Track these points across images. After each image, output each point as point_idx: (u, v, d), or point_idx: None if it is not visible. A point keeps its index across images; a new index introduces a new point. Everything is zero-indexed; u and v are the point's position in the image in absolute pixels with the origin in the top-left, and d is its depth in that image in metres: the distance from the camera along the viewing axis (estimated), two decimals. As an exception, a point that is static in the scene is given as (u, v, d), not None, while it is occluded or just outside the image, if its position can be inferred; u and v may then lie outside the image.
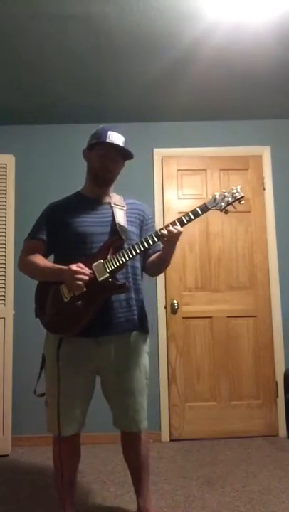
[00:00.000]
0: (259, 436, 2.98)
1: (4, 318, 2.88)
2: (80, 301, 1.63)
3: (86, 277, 1.61)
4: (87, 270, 1.62)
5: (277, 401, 3.06)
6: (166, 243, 1.70)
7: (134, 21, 2.15)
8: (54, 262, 1.80)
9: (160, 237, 1.66)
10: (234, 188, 1.71)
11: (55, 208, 1.84)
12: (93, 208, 1.81)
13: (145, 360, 1.81)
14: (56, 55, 2.42)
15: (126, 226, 1.78)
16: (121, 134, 1.76)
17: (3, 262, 2.91)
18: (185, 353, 3.10)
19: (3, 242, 2.94)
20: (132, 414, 1.73)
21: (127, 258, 1.67)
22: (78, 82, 2.73)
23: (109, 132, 1.74)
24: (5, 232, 2.95)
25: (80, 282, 1.60)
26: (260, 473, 2.41)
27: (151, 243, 1.67)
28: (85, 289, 1.61)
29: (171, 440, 3.01)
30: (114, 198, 1.86)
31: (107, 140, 1.73)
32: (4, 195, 2.99)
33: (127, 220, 1.81)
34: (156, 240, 1.66)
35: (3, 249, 2.93)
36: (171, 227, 1.64)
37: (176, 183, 3.25)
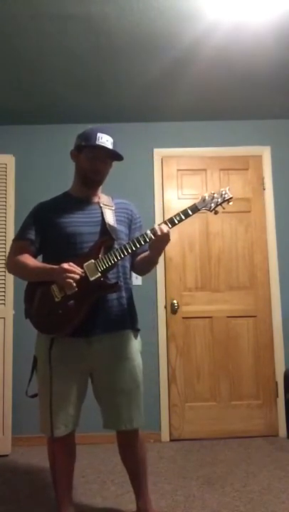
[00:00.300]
0: (259, 436, 2.98)
1: (4, 318, 2.89)
2: (71, 301, 1.63)
3: (78, 276, 1.61)
4: (78, 269, 1.62)
5: (277, 401, 3.06)
6: (155, 244, 1.70)
7: (134, 21, 2.15)
8: (43, 262, 1.79)
9: (154, 235, 1.66)
10: (223, 189, 1.75)
11: (44, 208, 1.84)
12: (82, 208, 1.81)
13: (138, 357, 1.81)
14: (56, 55, 2.42)
15: (115, 226, 1.79)
16: (109, 134, 1.76)
17: (3, 261, 2.91)
18: (185, 353, 3.10)
19: (3, 242, 2.94)
20: (126, 413, 1.72)
21: (119, 258, 1.68)
22: (78, 82, 2.73)
23: (99, 134, 1.73)
24: (5, 232, 2.95)
25: (71, 280, 1.60)
26: (260, 473, 2.41)
27: (142, 243, 1.68)
28: (76, 288, 1.61)
29: (171, 440, 3.01)
30: (103, 198, 1.87)
31: (97, 143, 1.73)
32: (4, 195, 2.99)
33: (116, 220, 1.82)
34: (147, 240, 1.67)
35: (3, 249, 2.93)
36: (162, 226, 1.65)
37: (176, 183, 3.25)
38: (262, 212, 3.24)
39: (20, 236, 1.83)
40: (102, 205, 1.82)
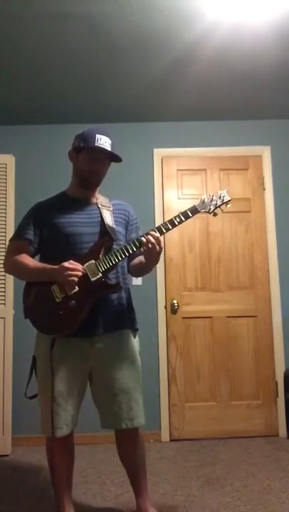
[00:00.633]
0: (259, 436, 2.98)
1: (4, 318, 2.89)
2: (72, 302, 1.63)
3: (80, 273, 1.61)
4: (80, 266, 1.63)
5: (277, 401, 3.06)
6: (145, 254, 1.71)
7: (134, 21, 2.15)
8: (40, 262, 1.79)
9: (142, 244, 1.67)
10: (221, 191, 1.77)
11: (42, 208, 1.83)
12: (80, 208, 1.81)
13: (137, 356, 1.82)
14: (56, 55, 2.42)
15: (114, 226, 1.79)
16: (108, 135, 1.76)
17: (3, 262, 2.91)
18: (185, 353, 3.10)
19: (3, 242, 2.93)
20: (126, 411, 1.72)
21: (120, 258, 1.68)
22: (78, 82, 2.73)
23: (98, 136, 1.74)
24: (5, 232, 2.95)
25: (74, 278, 1.60)
26: (260, 473, 2.41)
27: (138, 247, 1.69)
28: (77, 288, 1.61)
29: (171, 440, 3.00)
30: (100, 199, 1.87)
31: (96, 144, 1.73)
32: (4, 195, 2.99)
33: (114, 221, 1.82)
34: (145, 242, 1.66)
35: (3, 249, 2.92)
36: (149, 236, 1.64)
37: (176, 183, 3.25)
38: (262, 212, 3.24)
39: (18, 236, 1.82)
40: (100, 205, 1.82)
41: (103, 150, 1.74)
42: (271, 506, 2.03)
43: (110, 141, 1.76)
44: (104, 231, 1.75)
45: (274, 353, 3.11)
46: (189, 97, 2.94)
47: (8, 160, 3.02)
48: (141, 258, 1.82)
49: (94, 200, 1.85)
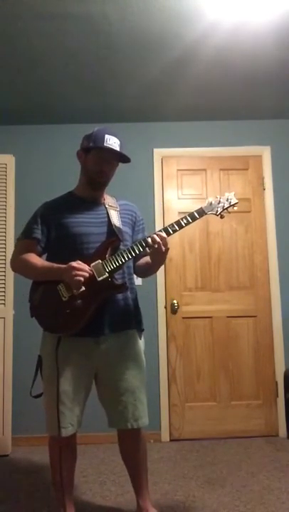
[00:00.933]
0: (259, 436, 2.98)
1: (4, 318, 2.89)
2: (79, 301, 1.63)
3: (86, 274, 1.61)
4: (87, 267, 1.63)
5: (277, 401, 3.06)
6: (151, 255, 1.73)
7: (134, 21, 2.15)
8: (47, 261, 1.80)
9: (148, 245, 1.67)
10: (228, 194, 1.78)
11: (50, 208, 1.84)
12: (88, 208, 1.81)
13: (142, 357, 1.83)
14: (56, 55, 2.42)
15: (121, 227, 1.79)
16: (116, 135, 1.77)
17: (3, 262, 2.91)
18: (185, 353, 3.10)
19: (3, 242, 2.94)
20: (132, 412, 1.73)
21: (127, 258, 1.68)
22: (78, 82, 2.73)
23: (106, 136, 1.74)
24: (5, 232, 2.95)
25: (80, 278, 1.60)
26: (260, 473, 2.41)
27: (144, 248, 1.69)
28: (83, 288, 1.62)
29: (171, 440, 3.00)
30: (108, 199, 1.88)
31: (105, 145, 1.73)
32: (4, 195, 2.99)
33: (121, 221, 1.83)
34: (151, 243, 1.67)
35: (3, 249, 2.93)
36: (155, 236, 1.65)
37: (176, 183, 3.25)
38: (262, 212, 3.24)
39: (25, 235, 1.82)
40: (107, 206, 1.83)
41: (112, 150, 1.74)
42: (271, 506, 2.03)
43: (119, 142, 1.77)
44: (111, 231, 1.75)
45: (274, 353, 3.11)
46: (189, 97, 2.94)
47: (8, 160, 3.02)
48: (147, 259, 1.83)
49: (101, 201, 1.85)
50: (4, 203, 2.98)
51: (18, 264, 1.82)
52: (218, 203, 1.75)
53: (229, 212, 1.78)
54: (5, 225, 2.96)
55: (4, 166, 3.01)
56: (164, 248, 1.65)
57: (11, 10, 2.05)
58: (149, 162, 3.26)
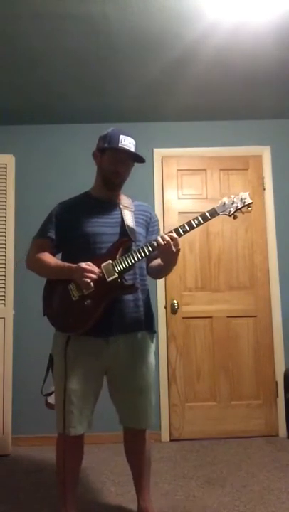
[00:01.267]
0: (259, 436, 2.98)
1: (4, 318, 2.88)
2: (88, 300, 1.64)
3: (95, 275, 1.62)
4: (96, 268, 1.63)
5: (277, 401, 3.06)
6: (160, 255, 1.71)
7: (134, 21, 2.15)
8: (61, 260, 1.81)
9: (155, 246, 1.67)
10: (242, 193, 1.74)
11: (65, 207, 1.85)
12: (103, 208, 1.82)
13: (152, 358, 1.83)
14: (56, 55, 2.42)
15: (134, 227, 1.79)
16: (131, 136, 1.78)
17: (3, 261, 2.91)
18: (185, 353, 3.10)
19: (3, 241, 2.94)
20: (142, 412, 1.76)
21: (137, 259, 1.68)
22: (78, 82, 2.73)
23: (122, 137, 1.75)
24: (5, 232, 2.95)
25: (89, 280, 1.61)
26: (260, 473, 2.41)
27: (154, 248, 1.69)
28: (93, 288, 1.62)
29: (171, 440, 3.00)
30: (123, 200, 1.88)
31: (120, 145, 1.74)
32: (4, 195, 2.99)
33: (135, 222, 1.83)
34: (162, 242, 1.66)
35: (3, 249, 2.93)
36: (165, 236, 1.64)
37: (176, 183, 3.25)
38: (262, 213, 3.24)
39: (41, 234, 1.84)
40: (121, 206, 1.83)
41: (127, 151, 1.75)
42: (271, 506, 2.03)
43: (134, 142, 1.78)
44: (124, 232, 1.75)
45: (274, 353, 3.11)
46: (189, 97, 2.94)
47: (8, 160, 3.02)
48: (159, 260, 1.82)
49: (117, 201, 1.85)
50: (4, 203, 2.98)
51: (33, 263, 1.83)
52: (232, 203, 1.72)
53: (243, 213, 1.73)
54: (5, 225, 2.96)
55: (4, 166, 3.00)
56: (174, 249, 1.64)
57: (11, 10, 2.05)
58: (149, 162, 3.23)
